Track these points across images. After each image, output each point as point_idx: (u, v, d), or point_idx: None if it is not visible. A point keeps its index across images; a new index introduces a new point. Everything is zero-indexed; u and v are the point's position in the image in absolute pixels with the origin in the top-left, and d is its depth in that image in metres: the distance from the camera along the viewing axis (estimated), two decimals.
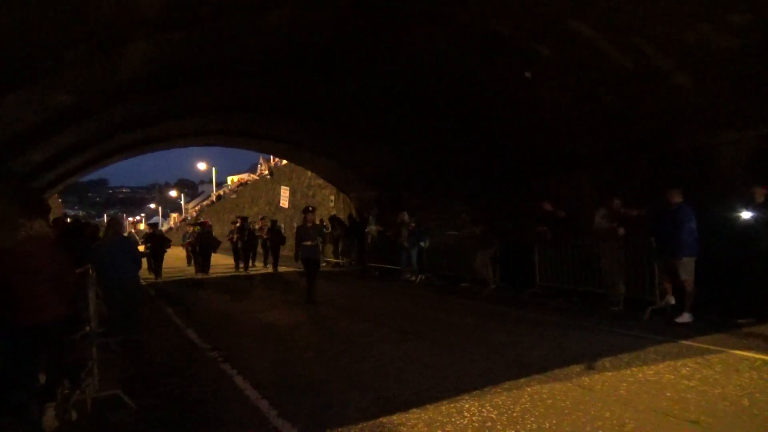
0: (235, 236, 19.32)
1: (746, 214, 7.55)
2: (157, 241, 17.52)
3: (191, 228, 21.57)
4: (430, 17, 8.27)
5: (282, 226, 21.99)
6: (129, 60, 7.12)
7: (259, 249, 20.07)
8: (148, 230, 19.08)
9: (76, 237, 7.72)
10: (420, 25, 8.57)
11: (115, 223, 8.19)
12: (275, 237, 18.63)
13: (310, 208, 11.25)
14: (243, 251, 18.94)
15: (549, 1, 7.41)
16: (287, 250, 19.20)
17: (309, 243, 10.60)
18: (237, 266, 19.05)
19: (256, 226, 20.34)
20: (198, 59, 9.04)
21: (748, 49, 6.86)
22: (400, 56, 9.86)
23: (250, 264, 19.18)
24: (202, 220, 24.24)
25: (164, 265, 18.00)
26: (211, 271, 18.12)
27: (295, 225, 19.12)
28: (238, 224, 19.63)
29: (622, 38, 7.64)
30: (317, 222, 11.46)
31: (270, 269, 18.36)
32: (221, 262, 20.74)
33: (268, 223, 19.98)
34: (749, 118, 7.75)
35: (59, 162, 12.71)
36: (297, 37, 8.82)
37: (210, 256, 18.03)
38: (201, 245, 18.11)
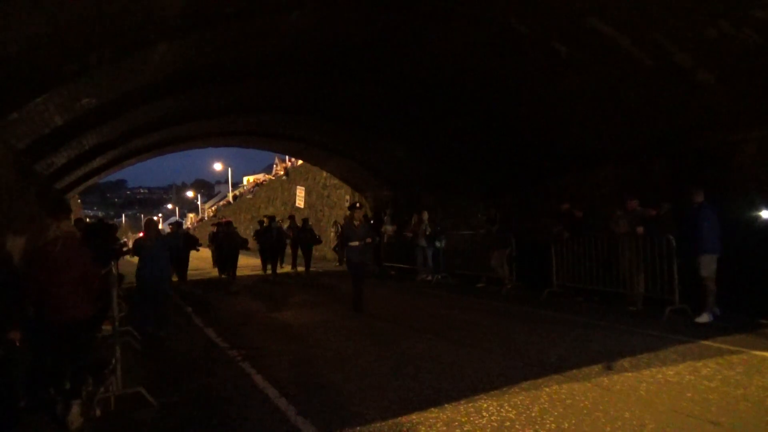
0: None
1: (766, 214, 7.45)
2: (184, 242, 15.87)
3: (216, 227, 20.08)
4: (449, 15, 8.27)
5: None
6: (152, 62, 7.25)
7: (288, 250, 19.04)
8: (169, 230, 16.97)
9: (99, 237, 7.96)
10: (439, 24, 8.58)
11: (155, 225, 9.27)
12: (308, 236, 17.89)
13: (358, 204, 10.25)
14: (271, 252, 17.48)
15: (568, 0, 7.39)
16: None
17: (356, 243, 9.55)
18: (264, 268, 17.77)
19: (285, 225, 19.21)
20: (219, 60, 9.15)
21: None
22: (418, 55, 9.88)
23: (279, 266, 18.00)
24: (224, 219, 22.84)
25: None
26: (237, 273, 17.08)
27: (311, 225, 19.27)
28: (265, 224, 18.33)
29: (642, 35, 7.58)
30: (360, 219, 9.86)
31: (299, 270, 17.88)
32: (247, 263, 20.16)
33: (296, 222, 19.00)
34: None
35: (81, 163, 12.94)
36: (316, 38, 8.89)
37: (237, 257, 16.89)
38: (226, 246, 16.77)
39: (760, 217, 7.50)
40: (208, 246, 20.59)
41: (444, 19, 8.31)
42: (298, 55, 9.79)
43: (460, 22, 8.40)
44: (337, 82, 11.44)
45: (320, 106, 13.51)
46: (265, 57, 9.42)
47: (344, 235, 9.77)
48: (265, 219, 19.07)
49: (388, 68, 10.71)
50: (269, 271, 17.21)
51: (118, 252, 10.09)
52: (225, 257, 16.85)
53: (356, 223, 9.74)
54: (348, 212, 10.22)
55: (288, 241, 18.37)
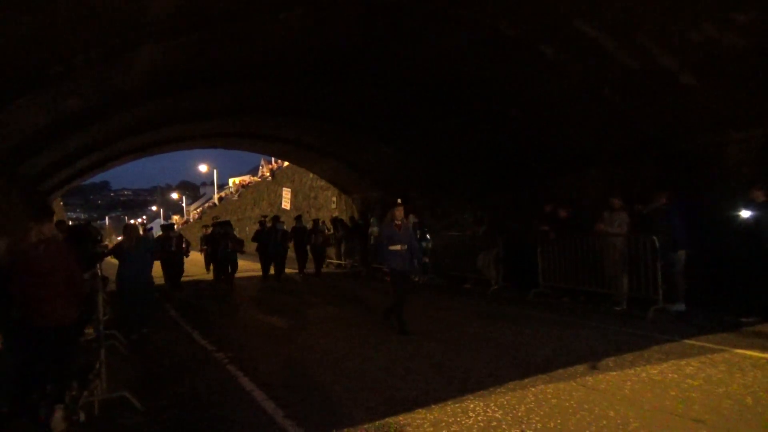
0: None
1: (746, 213, 7.60)
2: (177, 245, 14.38)
3: (211, 228, 18.15)
4: (439, 19, 8.31)
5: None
6: (138, 64, 7.19)
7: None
8: (159, 233, 15.33)
9: (82, 240, 7.85)
10: (428, 27, 8.62)
11: (136, 229, 9.31)
12: (320, 238, 16.74)
13: (399, 201, 8.58)
14: (275, 256, 15.80)
15: (555, 3, 7.46)
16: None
17: (399, 248, 7.78)
18: (265, 274, 16.05)
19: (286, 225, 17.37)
20: (207, 63, 9.10)
21: (754, 48, 6.88)
22: (408, 57, 9.91)
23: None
24: (221, 218, 20.71)
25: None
26: (236, 276, 15.53)
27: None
28: (268, 224, 16.70)
29: (628, 38, 7.67)
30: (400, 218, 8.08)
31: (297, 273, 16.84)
32: (241, 266, 17.19)
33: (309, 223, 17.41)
34: (756, 117, 7.76)
35: (65, 165, 12.81)
36: (305, 40, 8.87)
37: (236, 261, 15.32)
38: (224, 248, 15.02)
39: (739, 216, 7.64)
40: (201, 249, 19.44)
41: (433, 22, 8.35)
42: (286, 57, 9.78)
43: (450, 26, 8.45)
44: (326, 84, 11.43)
45: (309, 108, 13.49)
46: (252, 59, 9.38)
47: (384, 237, 7.97)
48: (266, 219, 17.52)
49: (378, 70, 10.73)
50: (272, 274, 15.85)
51: (101, 255, 9.94)
52: (222, 261, 15.26)
53: (398, 223, 7.95)
54: (388, 210, 8.32)
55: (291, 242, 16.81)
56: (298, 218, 17.92)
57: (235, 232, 17.70)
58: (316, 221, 17.88)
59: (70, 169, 13.91)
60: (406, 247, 7.87)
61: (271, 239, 15.73)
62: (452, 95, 11.17)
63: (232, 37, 7.90)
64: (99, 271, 6.21)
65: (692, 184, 8.80)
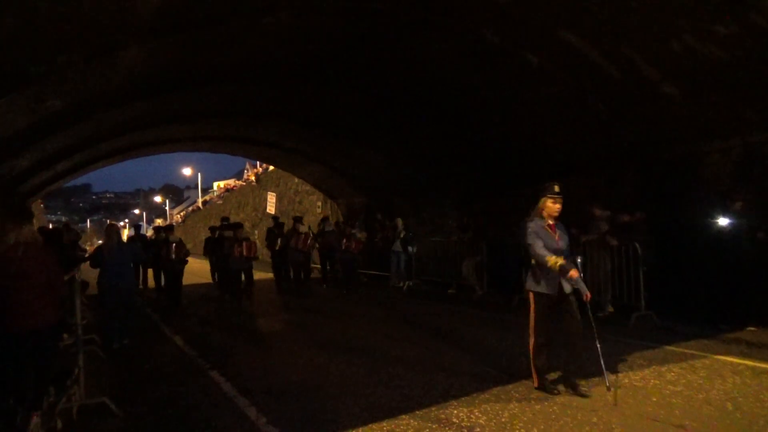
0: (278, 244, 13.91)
1: (723, 221, 7.73)
2: (177, 252, 11.64)
3: (217, 231, 14.92)
4: (424, 26, 8.35)
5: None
6: (122, 65, 7.11)
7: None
8: (151, 236, 13.22)
9: (59, 243, 7.69)
10: (413, 34, 8.65)
11: (116, 230, 8.54)
12: (352, 243, 13.61)
13: (556, 187, 5.56)
14: (297, 265, 13.28)
15: (539, 12, 7.53)
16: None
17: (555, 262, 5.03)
18: (279, 286, 13.87)
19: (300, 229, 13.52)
20: (191, 65, 9.03)
21: (734, 60, 7.02)
22: (393, 63, 9.94)
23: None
24: (232, 220, 17.32)
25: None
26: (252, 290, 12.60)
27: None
28: (287, 227, 14.35)
29: (611, 48, 7.77)
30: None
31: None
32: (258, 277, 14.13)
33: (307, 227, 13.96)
34: (735, 127, 7.91)
35: (46, 167, 12.60)
36: (290, 44, 8.84)
37: (251, 273, 12.38)
38: (237, 257, 11.75)
39: (716, 224, 7.77)
40: (206, 256, 16.46)
41: (417, 29, 8.38)
42: (270, 61, 9.74)
43: (434, 33, 8.49)
44: (311, 89, 11.41)
45: (294, 112, 13.45)
46: (237, 62, 9.34)
47: (530, 243, 5.26)
48: (284, 219, 15.01)
49: (363, 75, 10.74)
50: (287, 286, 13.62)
51: (79, 258, 9.73)
52: (234, 272, 11.96)
53: (550, 223, 5.38)
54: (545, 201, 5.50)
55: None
56: (339, 223, 15.42)
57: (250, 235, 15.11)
58: (340, 223, 15.09)
59: (51, 171, 13.69)
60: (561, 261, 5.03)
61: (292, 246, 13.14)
62: (436, 102, 11.23)
63: (216, 40, 7.85)
64: (77, 275, 6.12)
65: (672, 192, 8.93)
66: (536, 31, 8.00)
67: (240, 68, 9.72)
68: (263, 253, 14.98)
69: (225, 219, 15.72)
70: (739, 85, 7.35)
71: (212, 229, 16.32)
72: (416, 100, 11.52)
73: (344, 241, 13.65)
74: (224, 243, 12.33)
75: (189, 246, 17.24)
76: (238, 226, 12.81)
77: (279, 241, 14.00)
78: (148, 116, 11.50)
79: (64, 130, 9.56)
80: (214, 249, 14.36)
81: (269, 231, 14.97)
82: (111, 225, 9.18)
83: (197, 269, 17.88)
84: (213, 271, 15.54)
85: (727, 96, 7.62)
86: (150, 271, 15.06)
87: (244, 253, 11.70)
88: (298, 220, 13.82)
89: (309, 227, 14.24)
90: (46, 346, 4.81)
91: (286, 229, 14.66)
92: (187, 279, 12.96)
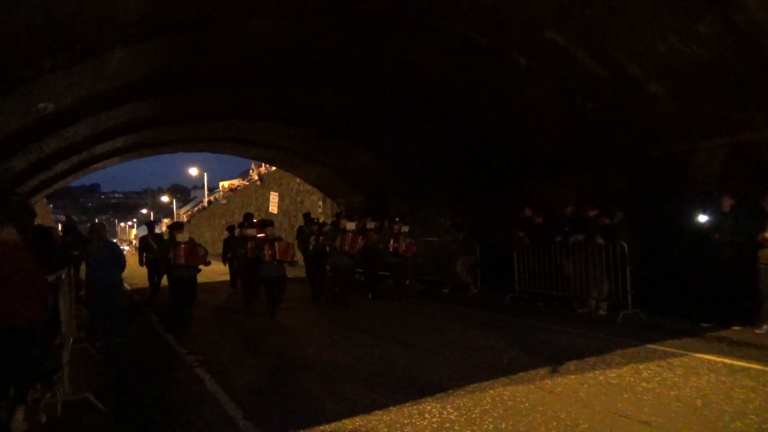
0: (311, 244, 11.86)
1: (703, 218, 7.77)
2: (187, 257, 9.16)
3: (237, 229, 13.04)
4: (412, 26, 8.41)
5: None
6: (109, 68, 7.22)
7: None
8: (165, 235, 11.61)
9: (48, 242, 7.75)
10: (403, 34, 8.71)
11: (99, 230, 8.54)
12: (403, 245, 11.52)
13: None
14: (338, 272, 11.08)
15: (524, 13, 7.58)
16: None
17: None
18: (316, 297, 11.60)
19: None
20: (182, 67, 9.13)
21: (717, 59, 7.04)
22: (384, 64, 10.00)
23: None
24: (235, 220, 14.94)
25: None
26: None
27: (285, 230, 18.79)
28: (327, 224, 12.44)
29: (598, 48, 7.81)
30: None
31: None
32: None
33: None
34: (722, 126, 7.93)
35: (43, 168, 12.75)
36: (280, 45, 8.93)
37: (284, 281, 10.23)
38: (268, 262, 9.85)
39: (698, 222, 7.81)
40: (225, 262, 14.05)
41: (404, 29, 8.44)
42: (262, 62, 9.84)
43: (421, 33, 8.54)
44: (303, 89, 11.50)
45: (289, 113, 13.53)
46: (228, 64, 9.43)
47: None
48: (285, 219, 13.04)
49: (355, 76, 10.81)
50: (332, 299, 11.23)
51: (71, 257, 9.76)
52: (265, 280, 10.08)
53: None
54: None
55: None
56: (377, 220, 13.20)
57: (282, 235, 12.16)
58: (378, 220, 12.95)
59: (49, 171, 13.85)
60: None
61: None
62: (427, 101, 11.29)
63: (202, 43, 7.95)
64: (70, 273, 6.22)
65: (660, 191, 8.96)
66: (522, 32, 8.05)
67: (229, 71, 9.82)
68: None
69: (248, 215, 13.10)
70: (723, 84, 7.37)
71: (230, 228, 13.81)
72: (410, 101, 11.58)
73: (392, 242, 11.64)
74: (247, 244, 10.64)
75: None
76: (269, 223, 10.67)
77: (313, 240, 11.82)
78: (143, 117, 11.63)
79: (58, 132, 9.70)
80: (236, 252, 12.04)
81: (300, 230, 13.17)
82: (95, 224, 9.30)
83: (207, 269, 13.72)
84: (233, 278, 13.27)
85: (713, 95, 7.64)
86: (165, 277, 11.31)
87: (277, 256, 9.79)
88: (340, 215, 12.06)
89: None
90: (28, 343, 4.91)
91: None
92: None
